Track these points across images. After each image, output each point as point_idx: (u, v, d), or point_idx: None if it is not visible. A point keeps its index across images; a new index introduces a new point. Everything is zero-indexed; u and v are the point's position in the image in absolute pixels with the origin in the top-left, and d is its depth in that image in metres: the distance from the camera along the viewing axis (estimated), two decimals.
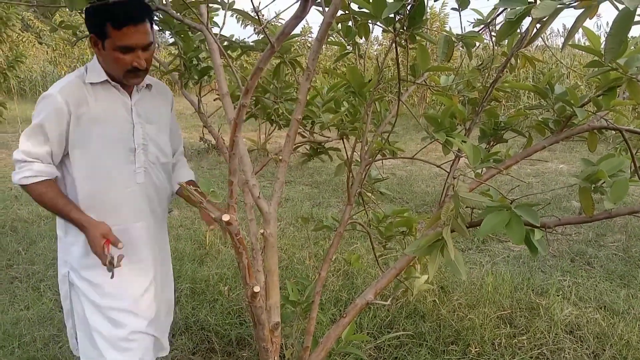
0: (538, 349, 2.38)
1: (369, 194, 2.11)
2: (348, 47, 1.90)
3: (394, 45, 1.41)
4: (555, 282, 3.09)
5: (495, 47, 1.80)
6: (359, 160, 1.96)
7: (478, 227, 1.46)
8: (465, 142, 1.40)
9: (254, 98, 2.10)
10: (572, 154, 7.34)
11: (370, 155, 1.67)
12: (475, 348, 2.35)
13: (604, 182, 1.23)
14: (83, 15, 1.52)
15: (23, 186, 1.50)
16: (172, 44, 1.95)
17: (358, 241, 3.81)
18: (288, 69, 1.92)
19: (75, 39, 2.06)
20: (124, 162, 1.60)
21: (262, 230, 1.48)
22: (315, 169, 6.52)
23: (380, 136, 1.68)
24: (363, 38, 1.82)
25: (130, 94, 1.61)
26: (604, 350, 2.35)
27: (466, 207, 1.43)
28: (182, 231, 4.15)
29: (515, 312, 2.71)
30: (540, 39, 1.20)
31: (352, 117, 2.10)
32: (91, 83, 1.53)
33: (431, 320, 2.59)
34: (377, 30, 9.76)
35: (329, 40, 2.18)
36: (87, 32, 1.52)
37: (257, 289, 1.24)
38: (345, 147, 2.01)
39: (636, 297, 2.91)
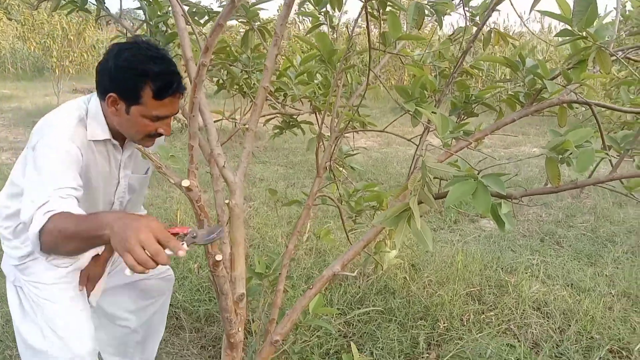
0: (505, 324, 2.41)
1: (341, 169, 2.09)
2: (321, 17, 1.86)
3: (364, 12, 1.37)
4: (525, 261, 3.13)
5: (468, 22, 1.79)
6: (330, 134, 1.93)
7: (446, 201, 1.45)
8: (435, 113, 1.38)
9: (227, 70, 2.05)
10: (545, 137, 7.43)
11: (340, 127, 1.64)
12: (444, 323, 2.36)
13: (571, 153, 1.23)
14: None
15: (40, 233, 1.10)
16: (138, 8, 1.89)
17: (331, 220, 3.80)
18: (258, 38, 1.87)
19: (36, 1, 1.97)
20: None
21: (227, 201, 1.44)
22: (290, 149, 6.48)
23: (351, 107, 1.65)
24: (336, 10, 1.79)
25: (122, 147, 1.51)
26: (570, 325, 2.40)
27: (434, 177, 1.42)
28: (153, 210, 4.08)
29: (484, 289, 2.73)
30: (519, 20, 1.18)
31: (324, 90, 2.07)
32: (92, 140, 1.40)
33: (401, 296, 2.60)
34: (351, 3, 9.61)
35: (301, 11, 2.14)
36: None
37: (219, 257, 1.21)
38: (317, 121, 1.98)
39: (602, 275, 2.97)
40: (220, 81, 2.21)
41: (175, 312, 2.42)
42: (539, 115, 1.64)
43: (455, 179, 1.22)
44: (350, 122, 1.76)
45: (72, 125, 1.35)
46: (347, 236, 1.93)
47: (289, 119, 2.20)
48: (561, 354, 2.20)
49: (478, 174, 1.25)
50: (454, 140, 1.59)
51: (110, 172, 1.51)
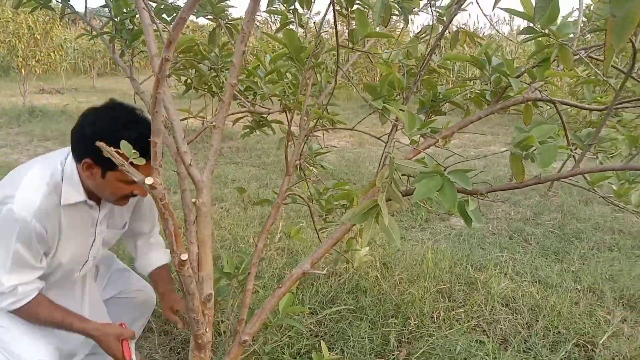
0: (475, 321, 2.44)
1: (311, 168, 2.08)
2: (290, 16, 1.85)
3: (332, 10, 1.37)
4: (494, 258, 3.18)
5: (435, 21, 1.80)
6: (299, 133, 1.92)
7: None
8: (402, 110, 1.39)
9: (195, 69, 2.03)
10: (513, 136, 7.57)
11: (310, 126, 1.64)
12: (415, 321, 2.38)
13: (535, 149, 1.25)
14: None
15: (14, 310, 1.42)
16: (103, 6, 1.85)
17: (304, 219, 3.79)
18: (226, 35, 1.85)
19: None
20: (69, 274, 1.58)
21: (194, 200, 1.42)
22: (263, 150, 6.44)
23: (320, 105, 1.65)
24: (305, 8, 1.78)
25: (99, 205, 1.53)
26: (537, 321, 2.44)
27: (402, 174, 1.43)
28: None
29: (454, 286, 2.76)
30: (488, 23, 1.19)
31: (294, 89, 2.06)
32: (66, 205, 1.42)
33: (372, 295, 2.60)
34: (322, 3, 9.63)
35: (269, 9, 2.13)
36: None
37: (184, 256, 1.19)
38: (288, 120, 1.97)
39: (569, 271, 3.04)
40: (189, 81, 2.19)
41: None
42: (507, 114, 1.67)
43: (421, 175, 1.23)
44: (320, 121, 1.76)
45: (40, 198, 1.35)
46: (318, 235, 1.92)
47: (259, 118, 2.18)
48: (529, 348, 2.23)
49: (445, 170, 1.27)
50: (422, 138, 1.60)
51: (86, 231, 1.53)
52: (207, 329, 1.38)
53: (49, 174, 1.40)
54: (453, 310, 2.54)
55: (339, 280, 2.76)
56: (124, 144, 1.10)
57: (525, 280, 2.86)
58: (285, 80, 2.02)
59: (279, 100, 2.11)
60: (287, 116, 1.97)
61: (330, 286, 2.68)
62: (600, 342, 2.24)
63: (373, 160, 6.00)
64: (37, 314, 1.42)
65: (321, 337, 2.23)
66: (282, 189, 1.65)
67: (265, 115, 2.16)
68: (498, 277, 2.84)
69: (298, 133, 1.90)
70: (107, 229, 1.61)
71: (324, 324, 2.33)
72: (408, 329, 2.33)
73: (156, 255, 1.83)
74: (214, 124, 1.42)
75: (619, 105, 1.51)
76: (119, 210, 1.62)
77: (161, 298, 1.82)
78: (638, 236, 3.63)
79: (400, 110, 1.37)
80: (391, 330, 2.27)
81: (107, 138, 1.25)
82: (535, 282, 2.87)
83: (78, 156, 1.38)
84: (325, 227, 2.01)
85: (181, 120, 2.03)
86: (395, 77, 1.44)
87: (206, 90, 2.21)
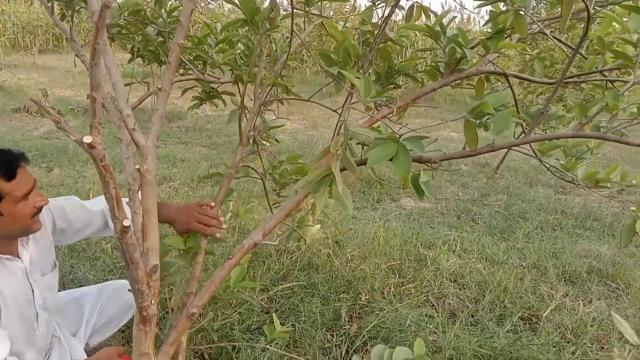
0: (424, 296, 2.47)
1: (264, 142, 2.03)
2: None
3: None
4: (442, 236, 3.23)
5: None
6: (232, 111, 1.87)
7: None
8: (358, 77, 1.36)
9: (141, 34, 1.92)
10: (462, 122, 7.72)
11: (264, 93, 1.58)
12: (365, 296, 2.38)
13: (489, 118, 1.25)
14: None
15: None
16: None
17: (256, 199, 3.73)
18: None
19: None
20: (27, 331, 1.44)
21: (137, 166, 1.35)
22: (214, 130, 6.30)
23: (275, 73, 1.60)
24: None
25: (18, 254, 1.41)
26: (484, 295, 2.49)
27: (357, 143, 1.41)
28: (64, 190, 3.83)
29: (404, 263, 2.79)
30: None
31: (246, 59, 1.99)
32: None
33: (324, 272, 2.59)
34: None
35: None
36: None
37: (126, 222, 1.12)
38: (239, 92, 1.91)
39: (514, 249, 3.12)
40: (135, 49, 2.08)
41: None
42: (456, 101, 1.67)
43: (376, 142, 1.21)
44: (275, 92, 1.71)
45: None
46: (271, 209, 1.88)
47: (209, 89, 2.10)
48: (477, 322, 2.28)
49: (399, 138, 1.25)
50: (376, 109, 1.58)
51: (21, 286, 1.41)
52: (153, 301, 1.32)
53: None
54: (403, 285, 2.56)
55: (291, 257, 2.73)
56: (58, 99, 1.02)
57: (472, 257, 2.92)
58: (237, 50, 1.95)
59: (230, 70, 2.04)
60: (238, 87, 1.90)
61: (282, 263, 2.65)
62: (544, 315, 2.32)
63: (326, 141, 5.97)
64: None
65: (272, 312, 2.20)
66: (236, 158, 1.60)
67: (215, 87, 2.08)
68: (447, 255, 2.89)
69: (251, 107, 1.85)
70: (42, 277, 1.48)
71: (276, 300, 2.30)
72: (359, 304, 2.33)
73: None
74: (159, 86, 1.35)
75: (569, 80, 1.53)
76: (37, 249, 1.49)
77: (175, 223, 1.54)
78: (579, 216, 3.78)
79: (355, 77, 1.34)
80: (342, 305, 2.27)
81: None
82: (482, 259, 2.94)
83: None
84: (279, 202, 1.97)
85: (125, 85, 1.93)
86: (350, 43, 1.41)
87: (152, 58, 2.11)
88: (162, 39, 1.94)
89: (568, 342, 2.16)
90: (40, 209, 1.36)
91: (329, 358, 1.95)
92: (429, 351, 2.00)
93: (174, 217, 1.47)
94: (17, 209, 1.29)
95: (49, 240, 1.54)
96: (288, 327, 2.06)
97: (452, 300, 2.46)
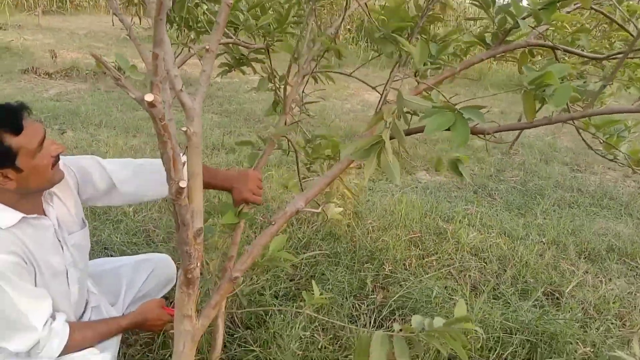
0: (446, 269, 2.48)
1: (307, 113, 2.01)
2: None
3: None
4: (461, 211, 3.23)
5: None
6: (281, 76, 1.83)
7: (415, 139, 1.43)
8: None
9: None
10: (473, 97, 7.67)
11: (313, 58, 1.56)
12: (389, 266, 2.39)
13: (544, 90, 1.22)
14: None
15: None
16: None
17: (273, 169, 3.72)
18: None
19: None
20: (61, 289, 1.42)
21: (184, 128, 1.33)
22: (225, 97, 6.24)
23: (328, 37, 1.56)
24: None
25: (44, 212, 1.37)
26: (505, 270, 2.50)
27: (406, 112, 1.39)
28: (79, 152, 3.81)
29: (424, 235, 2.79)
30: None
31: (279, 25, 1.95)
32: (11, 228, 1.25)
33: (346, 241, 2.60)
34: None
35: None
36: None
37: (183, 184, 1.11)
38: (270, 59, 1.88)
39: (533, 225, 3.12)
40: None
41: (112, 255, 2.28)
42: (465, 78, 1.63)
43: (432, 110, 1.19)
44: (321, 60, 1.67)
45: None
46: (301, 184, 1.87)
47: (240, 55, 2.07)
48: (500, 295, 2.29)
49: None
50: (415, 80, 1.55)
51: (50, 244, 1.37)
52: (197, 264, 1.32)
53: None
54: (424, 258, 2.57)
55: (312, 227, 2.74)
56: (118, 55, 0.99)
57: (492, 232, 2.93)
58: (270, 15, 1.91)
59: (263, 36, 2.00)
60: (269, 54, 1.86)
61: (304, 233, 2.65)
62: (567, 290, 2.33)
63: (339, 113, 5.94)
64: (83, 339, 1.37)
65: (298, 280, 2.22)
66: (280, 125, 1.58)
67: (245, 54, 2.05)
68: (467, 229, 2.89)
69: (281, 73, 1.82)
70: (69, 235, 1.45)
71: (301, 268, 2.31)
72: (382, 274, 2.34)
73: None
74: (207, 47, 1.32)
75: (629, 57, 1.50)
76: (62, 207, 1.45)
77: (233, 191, 1.51)
78: (595, 194, 3.77)
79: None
80: (367, 274, 2.28)
81: None
82: (502, 234, 2.94)
83: None
84: (308, 176, 1.96)
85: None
86: (404, 10, 1.37)
87: (180, 23, 2.06)
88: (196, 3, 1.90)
89: (590, 318, 2.18)
90: (58, 157, 1.31)
91: (357, 324, 1.97)
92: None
93: (232, 185, 1.46)
94: (35, 161, 1.24)
95: (73, 198, 1.49)
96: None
97: (474, 273, 2.48)
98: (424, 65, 1.25)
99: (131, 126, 4.62)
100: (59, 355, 1.31)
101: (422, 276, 2.35)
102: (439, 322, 1.27)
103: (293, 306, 1.98)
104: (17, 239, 1.25)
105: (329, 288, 2.13)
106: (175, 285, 1.86)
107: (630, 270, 2.69)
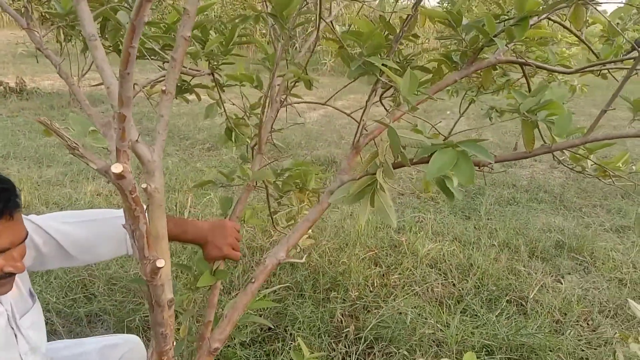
0: (410, 287, 2.42)
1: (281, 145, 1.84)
2: None
3: None
4: (409, 219, 3.19)
5: None
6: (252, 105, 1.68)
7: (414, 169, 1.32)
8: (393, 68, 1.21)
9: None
10: (443, 104, 7.77)
11: (288, 87, 1.41)
12: (355, 292, 2.28)
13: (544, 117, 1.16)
14: None
15: None
16: None
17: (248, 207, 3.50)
18: None
19: None
20: None
21: (144, 185, 1.14)
22: (143, 114, 5.88)
23: (297, 65, 1.41)
24: None
25: None
26: (467, 280, 2.48)
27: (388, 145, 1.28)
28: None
29: (381, 251, 2.71)
30: None
31: (224, 47, 1.77)
32: None
33: (304, 268, 2.46)
34: None
35: None
36: None
37: (160, 263, 0.92)
38: (216, 84, 1.70)
39: (479, 227, 3.15)
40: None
41: (47, 316, 1.99)
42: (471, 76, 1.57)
43: (431, 147, 1.09)
44: (291, 87, 1.52)
45: None
46: (272, 219, 1.71)
47: (182, 83, 1.87)
48: (466, 309, 2.25)
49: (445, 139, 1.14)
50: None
51: (3, 338, 1.12)
52: (173, 342, 1.13)
53: None
54: (385, 276, 2.48)
55: (262, 255, 2.57)
56: (73, 118, 0.79)
57: (445, 240, 2.91)
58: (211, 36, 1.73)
59: (207, 60, 1.82)
60: (215, 80, 1.69)
61: (256, 262, 2.48)
62: (531, 296, 2.34)
63: (313, 130, 5.75)
64: None
65: (266, 318, 2.05)
66: (254, 168, 1.41)
67: (187, 80, 1.86)
68: (422, 239, 2.84)
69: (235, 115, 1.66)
70: (21, 318, 1.18)
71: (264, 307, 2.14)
72: (349, 302, 2.23)
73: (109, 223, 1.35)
74: (163, 88, 1.13)
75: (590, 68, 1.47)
76: (15, 289, 1.18)
77: (207, 245, 1.31)
78: (529, 189, 3.89)
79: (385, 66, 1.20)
80: (336, 305, 2.16)
81: None
82: (454, 240, 2.93)
83: None
84: (278, 210, 1.81)
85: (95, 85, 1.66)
86: (378, 34, 1.26)
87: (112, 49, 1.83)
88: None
89: (557, 322, 2.19)
90: (7, 276, 1.03)
91: None
92: (433, 346, 1.94)
93: (207, 239, 1.25)
94: None
95: (24, 281, 1.23)
96: (290, 338, 1.92)
97: (437, 287, 2.43)
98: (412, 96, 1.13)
99: (43, 155, 4.20)
100: None
101: (389, 298, 2.26)
102: None
103: (268, 354, 1.81)
104: None
105: (299, 327, 1.98)
106: None
107: (579, 264, 2.76)
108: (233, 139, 1.84)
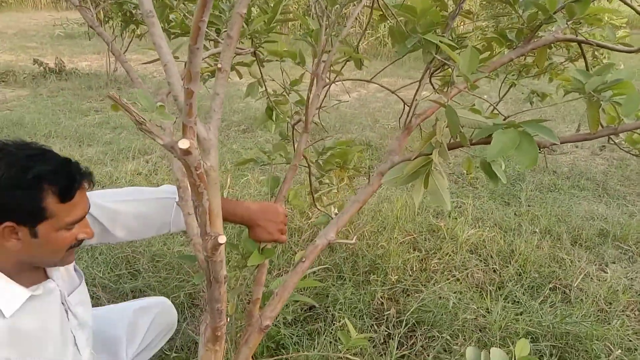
0: (449, 272, 2.39)
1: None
2: None
3: None
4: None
5: None
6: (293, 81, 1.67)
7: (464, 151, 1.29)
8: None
9: None
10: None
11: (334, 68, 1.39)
12: (395, 275, 2.27)
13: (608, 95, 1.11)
14: None
15: None
16: None
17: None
18: None
19: None
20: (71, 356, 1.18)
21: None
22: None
23: (350, 43, 1.40)
24: None
25: (47, 275, 1.14)
26: (508, 266, 2.44)
27: (446, 126, 1.25)
28: None
29: (419, 235, 2.69)
30: None
31: (267, 25, 1.76)
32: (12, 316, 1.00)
33: (342, 250, 2.46)
34: None
35: None
36: None
37: (222, 239, 0.92)
38: (258, 62, 1.70)
39: (520, 214, 3.08)
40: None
41: (93, 291, 2.04)
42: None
43: (492, 127, 1.06)
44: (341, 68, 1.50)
45: None
46: (313, 198, 1.71)
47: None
48: (507, 295, 2.21)
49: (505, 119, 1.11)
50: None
51: (57, 314, 1.14)
52: (227, 318, 1.15)
53: None
54: (425, 260, 2.46)
55: (301, 237, 2.58)
56: (140, 92, 0.80)
57: (486, 226, 2.86)
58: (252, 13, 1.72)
59: (249, 38, 1.81)
60: (257, 58, 1.68)
61: (295, 243, 2.49)
62: (575, 285, 2.29)
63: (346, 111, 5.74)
64: None
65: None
66: (300, 147, 1.40)
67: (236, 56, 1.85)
68: (462, 225, 2.80)
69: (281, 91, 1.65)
70: (69, 295, 1.20)
71: (304, 287, 2.15)
72: (388, 285, 2.22)
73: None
74: (219, 66, 1.13)
75: None
76: (64, 269, 1.23)
77: (255, 228, 1.29)
78: (571, 176, 3.79)
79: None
80: (376, 288, 2.15)
81: (19, 185, 0.95)
82: (495, 226, 2.88)
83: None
84: (319, 189, 1.81)
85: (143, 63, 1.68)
86: (434, 8, 1.22)
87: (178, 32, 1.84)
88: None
89: (602, 311, 2.14)
90: (80, 242, 1.09)
91: (380, 349, 1.84)
92: (476, 331, 1.92)
93: (257, 222, 1.24)
94: (56, 235, 1.02)
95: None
96: (332, 318, 1.93)
97: (478, 273, 2.40)
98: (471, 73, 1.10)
99: (84, 134, 4.28)
100: None
101: (429, 283, 2.24)
102: (497, 356, 1.14)
103: (310, 333, 1.83)
104: (10, 337, 1.01)
105: (340, 308, 1.99)
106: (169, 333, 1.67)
107: (624, 254, 2.69)
108: (274, 118, 1.83)
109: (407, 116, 1.37)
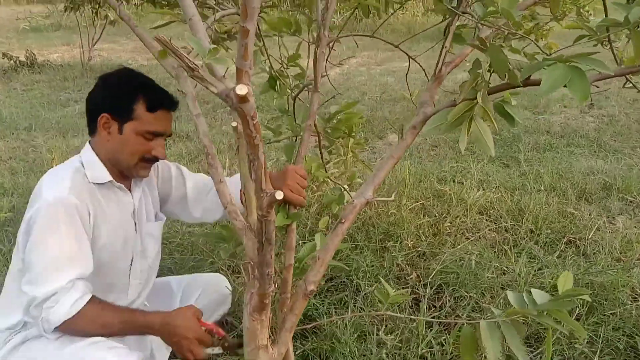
0: (462, 234, 2.38)
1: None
2: None
3: None
4: (449, 169, 3.14)
5: None
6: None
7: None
8: None
9: None
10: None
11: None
12: (410, 241, 2.25)
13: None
14: None
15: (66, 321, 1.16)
16: None
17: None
18: None
19: None
20: (120, 275, 1.36)
21: (234, 123, 1.09)
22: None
23: None
24: None
25: (130, 190, 1.38)
26: (520, 225, 2.43)
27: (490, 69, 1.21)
28: (16, 163, 3.34)
29: (427, 201, 2.66)
30: None
31: None
32: (95, 183, 1.28)
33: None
34: None
35: None
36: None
37: (279, 195, 0.86)
38: (260, 31, 1.63)
39: (521, 174, 3.08)
40: None
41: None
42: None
43: (540, 63, 1.01)
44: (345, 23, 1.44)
45: (68, 176, 1.24)
46: (325, 168, 1.66)
47: (224, 31, 1.79)
48: (523, 252, 2.20)
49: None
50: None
51: (127, 220, 1.36)
52: (275, 286, 1.10)
53: (68, 166, 1.30)
54: (436, 225, 2.44)
55: (310, 210, 2.53)
56: (191, 37, 0.73)
57: (491, 187, 2.85)
58: None
59: None
60: (258, 27, 1.60)
61: (305, 216, 2.45)
62: (589, 236, 2.29)
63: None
64: (99, 316, 1.19)
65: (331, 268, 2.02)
66: (313, 107, 1.34)
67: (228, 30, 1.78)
68: (468, 188, 2.79)
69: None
70: (146, 222, 1.42)
71: None
72: (405, 251, 2.19)
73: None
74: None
75: None
76: (148, 199, 1.45)
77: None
78: (565, 135, 3.81)
79: None
80: (396, 254, 2.12)
81: (123, 86, 1.29)
82: (499, 187, 2.87)
83: (93, 116, 1.29)
84: (329, 160, 1.76)
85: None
86: None
87: None
88: None
89: (619, 261, 2.15)
90: (153, 159, 1.30)
91: (408, 312, 1.81)
92: (504, 289, 1.91)
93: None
94: (136, 140, 1.26)
95: (155, 191, 1.49)
96: (357, 284, 1.90)
97: (492, 233, 2.39)
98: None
99: (67, 125, 4.15)
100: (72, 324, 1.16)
101: (444, 246, 2.22)
102: (539, 296, 1.10)
103: (337, 303, 1.80)
104: (87, 193, 1.24)
105: (363, 277, 1.95)
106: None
107: (628, 205, 2.71)
108: (277, 89, 1.76)
109: (437, 65, 1.31)
